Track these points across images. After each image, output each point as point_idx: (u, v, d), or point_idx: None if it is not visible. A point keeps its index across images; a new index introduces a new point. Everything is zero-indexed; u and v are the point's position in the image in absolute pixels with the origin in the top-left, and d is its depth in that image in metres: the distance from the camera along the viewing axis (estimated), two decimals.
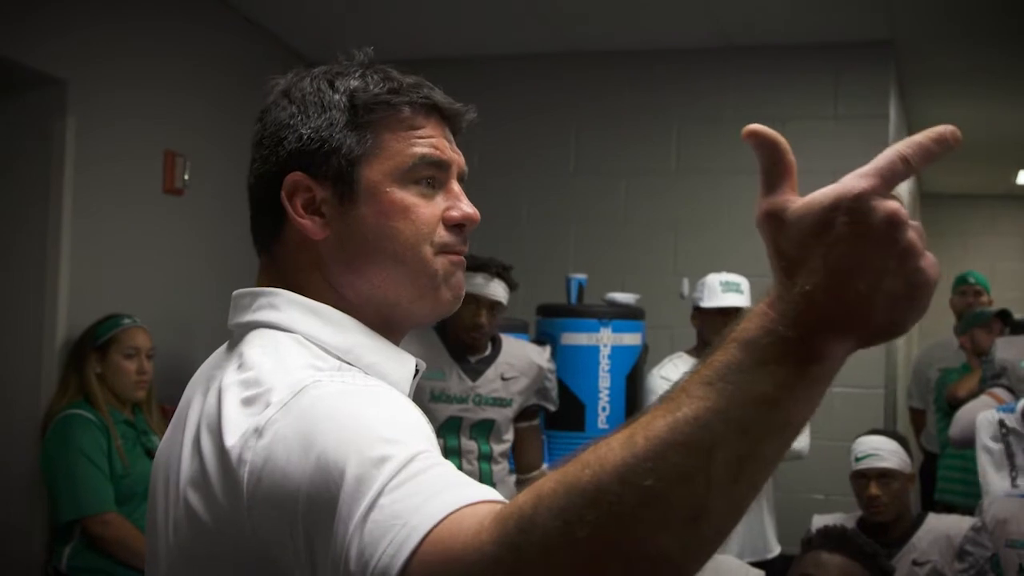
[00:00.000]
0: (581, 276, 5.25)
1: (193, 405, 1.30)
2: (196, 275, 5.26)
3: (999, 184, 10.91)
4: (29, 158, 4.48)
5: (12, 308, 4.44)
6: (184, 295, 5.19)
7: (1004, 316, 6.33)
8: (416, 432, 1.09)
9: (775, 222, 0.89)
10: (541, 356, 4.37)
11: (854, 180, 0.85)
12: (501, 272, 4.12)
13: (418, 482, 1.00)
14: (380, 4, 5.63)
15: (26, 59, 4.29)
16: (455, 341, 4.17)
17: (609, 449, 0.89)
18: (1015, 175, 10.27)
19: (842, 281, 0.85)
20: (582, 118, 6.47)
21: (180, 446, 1.26)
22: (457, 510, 0.95)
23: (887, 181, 0.85)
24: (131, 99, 4.89)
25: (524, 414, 4.33)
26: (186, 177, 5.21)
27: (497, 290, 4.09)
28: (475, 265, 4.04)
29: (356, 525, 0.98)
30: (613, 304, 5.08)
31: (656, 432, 0.87)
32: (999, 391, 4.69)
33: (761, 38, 6.10)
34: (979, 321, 6.10)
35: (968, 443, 4.67)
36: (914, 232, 0.85)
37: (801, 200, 0.88)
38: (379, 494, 0.99)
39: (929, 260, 0.86)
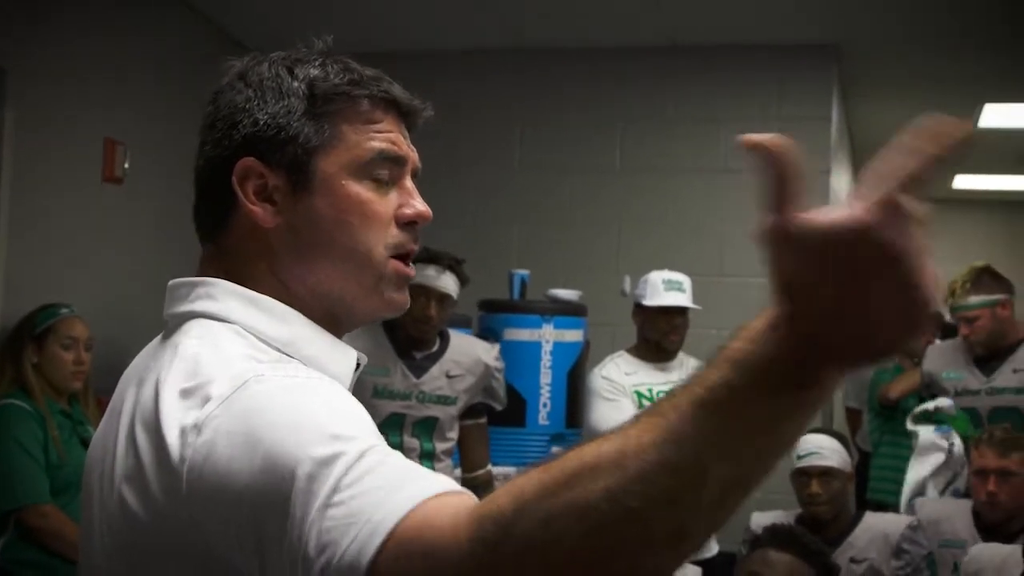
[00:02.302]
0: (524, 272, 5.25)
1: (127, 398, 1.27)
2: (136, 265, 5.21)
3: (937, 188, 11.01)
4: None
5: None
6: (123, 285, 5.14)
7: (936, 320, 6.40)
8: (364, 426, 1.09)
9: (779, 241, 0.84)
10: (489, 354, 4.35)
11: (861, 207, 0.81)
12: (453, 265, 4.09)
13: (374, 477, 0.99)
14: None
15: None
16: (402, 336, 4.14)
17: (597, 461, 0.88)
18: (952, 180, 10.40)
19: (843, 308, 0.82)
20: (527, 115, 6.48)
21: (114, 440, 1.24)
22: (422, 503, 0.95)
23: (894, 205, 0.81)
24: (71, 87, 4.84)
25: (470, 412, 4.31)
26: (126, 166, 5.16)
27: (448, 283, 4.07)
28: (427, 257, 4.02)
29: (312, 523, 0.96)
30: (555, 300, 5.09)
31: (645, 452, 0.86)
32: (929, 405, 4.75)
33: (706, 38, 6.14)
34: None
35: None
36: (921, 259, 0.83)
37: (808, 221, 0.82)
38: (334, 491, 0.97)
39: (932, 287, 0.83)
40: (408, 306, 1.41)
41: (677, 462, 0.85)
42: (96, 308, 4.60)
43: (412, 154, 1.41)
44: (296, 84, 1.34)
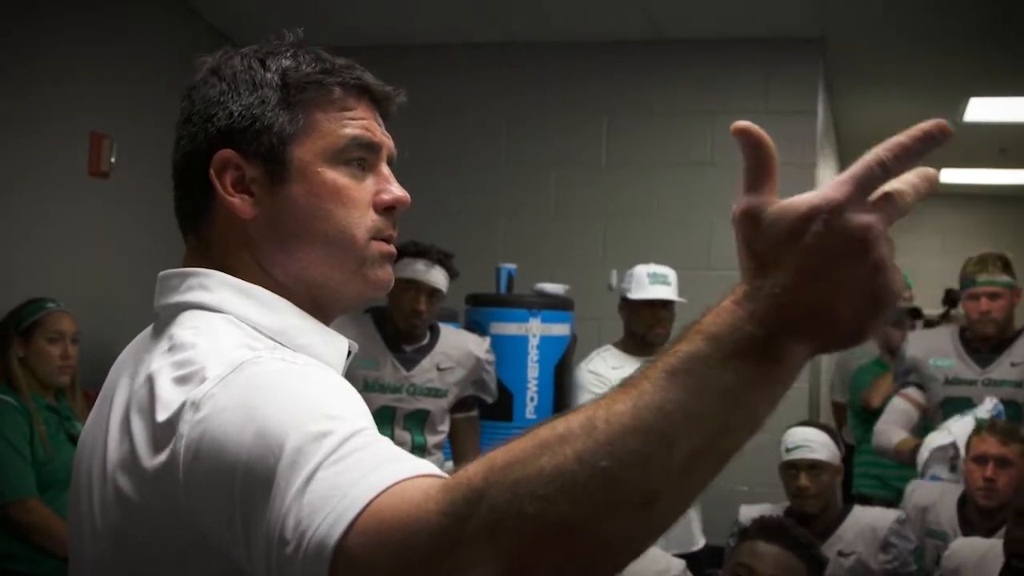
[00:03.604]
0: (511, 266, 5.24)
1: (119, 388, 1.27)
2: (123, 259, 5.20)
3: None
4: None
5: None
6: (110, 279, 5.13)
7: (915, 314, 6.41)
8: (357, 409, 1.10)
9: (751, 222, 0.90)
10: (480, 347, 4.36)
11: (831, 189, 0.87)
12: (442, 259, 4.11)
13: (359, 456, 0.99)
14: None
15: None
16: (392, 329, 4.15)
17: (567, 428, 0.89)
18: (938, 173, 10.43)
19: (810, 288, 0.87)
20: (512, 108, 6.47)
21: (106, 430, 1.24)
22: (398, 482, 0.95)
23: (863, 188, 0.87)
24: (56, 79, 4.82)
25: (461, 405, 4.33)
26: (112, 160, 5.15)
27: (437, 277, 4.08)
28: (417, 251, 4.04)
29: (293, 497, 0.97)
30: (542, 294, 5.09)
31: (616, 416, 0.88)
32: (911, 390, 4.72)
33: (692, 32, 6.15)
34: (890, 318, 6.10)
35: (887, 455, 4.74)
36: (886, 246, 0.87)
37: (779, 204, 0.89)
38: (318, 467, 0.98)
39: (897, 274, 0.88)
40: (392, 282, 1.41)
41: (647, 426, 0.87)
42: (83, 302, 4.59)
43: (387, 140, 1.42)
44: (269, 75, 1.35)
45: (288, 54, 1.38)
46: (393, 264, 1.41)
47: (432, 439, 4.21)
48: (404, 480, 0.96)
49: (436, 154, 6.40)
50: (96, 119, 5.09)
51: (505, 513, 0.87)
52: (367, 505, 0.94)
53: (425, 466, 1.00)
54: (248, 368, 1.13)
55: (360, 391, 3.77)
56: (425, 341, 4.23)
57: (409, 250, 4.08)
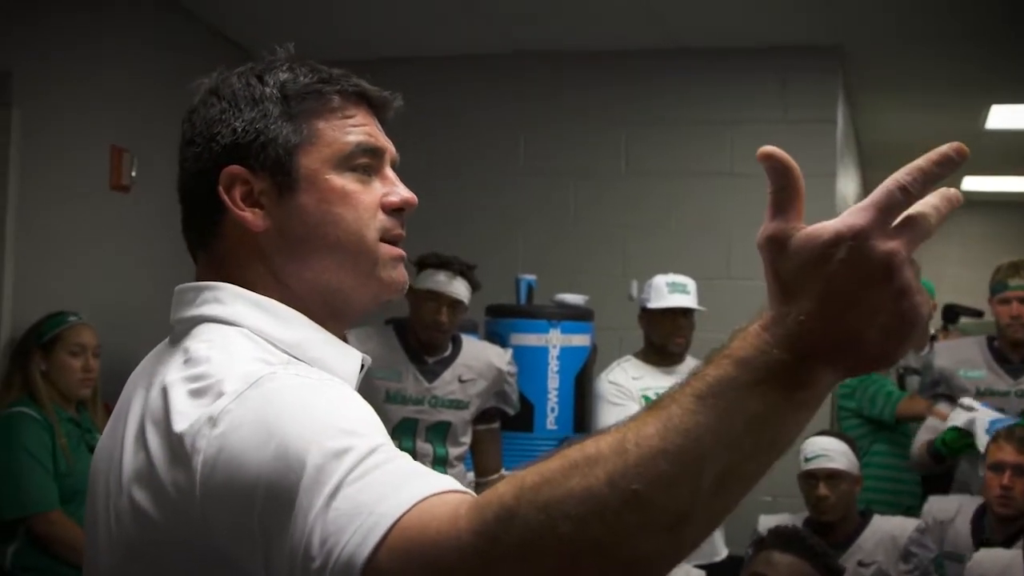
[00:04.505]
0: (531, 277, 5.25)
1: (135, 401, 1.28)
2: (143, 272, 5.21)
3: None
4: None
5: None
6: (131, 292, 5.14)
7: (950, 316, 6.35)
8: (373, 425, 1.10)
9: (777, 247, 0.91)
10: (501, 359, 4.36)
11: (854, 216, 0.88)
12: (464, 271, 4.11)
13: (381, 473, 1.00)
14: (327, 2, 5.62)
15: None
16: (414, 341, 4.16)
17: (597, 450, 0.90)
18: (960, 181, 10.39)
19: (836, 314, 0.88)
20: (531, 119, 6.47)
21: (121, 443, 1.25)
22: (425, 499, 0.96)
23: (886, 214, 0.87)
24: (77, 92, 4.84)
25: (483, 416, 4.33)
26: (133, 173, 5.17)
27: (459, 288, 4.08)
28: (438, 263, 4.05)
29: (317, 514, 0.97)
30: (562, 305, 5.09)
31: (646, 439, 0.89)
32: (942, 406, 4.68)
33: (710, 41, 6.13)
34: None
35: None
36: (911, 271, 0.88)
37: (805, 230, 0.90)
38: (340, 484, 0.99)
39: (924, 297, 0.89)
40: (407, 284, 1.43)
41: (677, 449, 0.88)
42: (104, 316, 4.61)
43: (389, 145, 1.43)
44: (268, 90, 1.37)
45: (284, 68, 1.39)
46: (405, 266, 1.42)
47: (454, 451, 4.21)
48: (431, 496, 0.96)
49: (455, 165, 6.41)
50: (116, 132, 5.12)
51: (538, 533, 0.88)
52: (396, 521, 0.94)
53: (448, 482, 1.00)
54: (265, 384, 1.13)
55: (382, 403, 3.79)
56: (447, 353, 4.23)
57: (431, 261, 4.09)
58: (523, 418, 4.71)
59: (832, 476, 4.02)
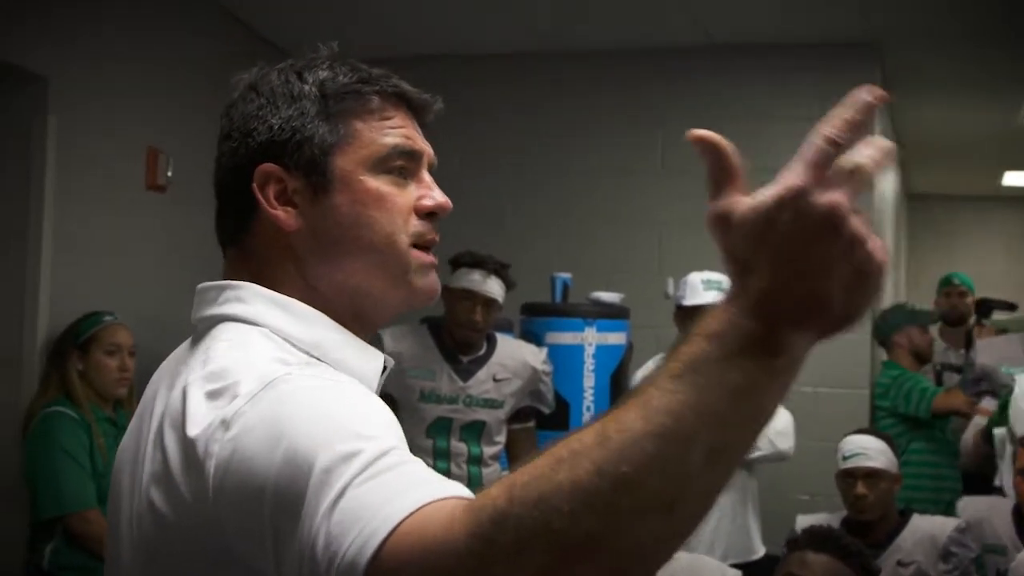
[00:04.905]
0: (566, 275, 5.25)
1: (157, 401, 1.28)
2: (178, 272, 5.21)
3: (985, 185, 10.94)
4: (9, 156, 4.46)
5: None
6: (166, 292, 5.14)
7: (983, 310, 6.29)
8: (388, 429, 1.10)
9: (723, 225, 0.92)
10: (536, 357, 4.36)
11: (789, 177, 0.87)
12: (498, 270, 4.12)
13: (389, 476, 1.00)
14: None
15: (5, 56, 4.28)
16: (449, 340, 4.17)
17: (580, 443, 0.90)
18: (1001, 176, 10.31)
19: (793, 277, 0.87)
20: (567, 116, 6.46)
21: (143, 443, 1.26)
22: (428, 504, 0.96)
23: (819, 169, 0.87)
24: (113, 95, 4.87)
25: (518, 415, 4.33)
26: (169, 174, 5.20)
27: (494, 287, 4.10)
28: (472, 261, 4.07)
29: (323, 516, 0.97)
30: (598, 303, 5.08)
31: (629, 424, 0.88)
32: (987, 402, 4.65)
33: (746, 37, 6.11)
34: (916, 320, 5.95)
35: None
36: (858, 219, 0.87)
37: (746, 202, 0.91)
38: (347, 486, 0.98)
39: (876, 244, 0.88)
40: (438, 291, 1.42)
41: (661, 429, 0.87)
42: (140, 316, 4.64)
43: (427, 148, 1.42)
44: (306, 87, 1.37)
45: (324, 66, 1.39)
46: (436, 272, 1.42)
47: (489, 450, 4.21)
48: (433, 502, 0.96)
49: (489, 163, 6.41)
50: (152, 133, 5.15)
51: (532, 531, 0.88)
52: (396, 526, 0.94)
53: (454, 488, 1.00)
54: (279, 385, 1.13)
55: (416, 402, 3.81)
56: (482, 352, 4.24)
57: (465, 260, 4.10)
58: (558, 417, 4.71)
59: (870, 475, 3.99)
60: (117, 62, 4.90)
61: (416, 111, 1.43)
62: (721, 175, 0.94)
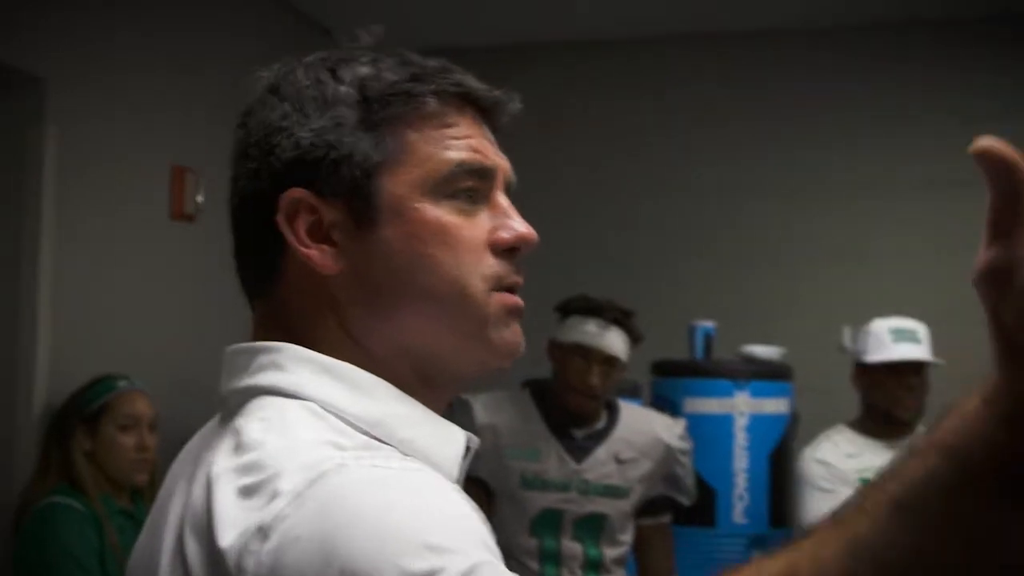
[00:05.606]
0: (708, 324, 5.24)
1: (175, 498, 1.28)
2: (212, 324, 5.23)
3: None
4: None
5: None
6: (196, 350, 5.18)
7: None
8: (471, 534, 1.09)
9: (999, 285, 0.82)
10: (671, 432, 4.31)
11: None
12: (620, 319, 4.08)
13: None
14: None
15: None
16: (559, 409, 4.13)
17: None
18: None
19: None
20: (703, 118, 6.48)
21: (159, 552, 1.24)
22: None
23: None
24: (128, 100, 4.93)
25: (648, 508, 4.27)
26: (199, 199, 5.25)
27: (614, 342, 4.05)
28: (587, 308, 4.05)
29: None
30: (751, 360, 5.09)
31: (823, 566, 0.87)
32: None
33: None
34: None
35: None
36: None
37: None
38: None
39: None
40: (522, 345, 1.39)
41: None
42: (162, 379, 4.67)
43: (502, 162, 1.39)
44: (343, 88, 1.34)
45: (365, 60, 1.36)
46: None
47: (611, 552, 4.17)
48: None
49: (601, 181, 6.42)
50: (177, 149, 5.21)
51: None
52: None
53: None
54: (330, 479, 1.11)
55: (517, 488, 3.78)
56: (600, 425, 4.20)
57: (578, 307, 4.08)
58: (702, 509, 4.71)
59: None
60: (131, 59, 4.96)
61: (486, 114, 1.40)
62: (1007, 210, 0.82)
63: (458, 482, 1.28)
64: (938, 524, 0.83)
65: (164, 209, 5.17)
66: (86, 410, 4.17)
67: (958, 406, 0.85)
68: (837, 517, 0.87)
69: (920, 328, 4.63)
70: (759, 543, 4.90)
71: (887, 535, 0.83)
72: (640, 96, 6.53)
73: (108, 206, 4.84)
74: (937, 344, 4.63)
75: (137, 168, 5.02)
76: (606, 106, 6.52)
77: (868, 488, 0.86)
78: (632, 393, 4.89)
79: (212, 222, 5.26)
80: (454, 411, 3.73)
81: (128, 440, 4.16)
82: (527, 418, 4.12)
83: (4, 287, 4.48)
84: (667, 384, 5.06)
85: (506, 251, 1.35)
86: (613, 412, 4.25)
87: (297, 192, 1.30)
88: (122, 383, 4.25)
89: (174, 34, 5.22)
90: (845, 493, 4.37)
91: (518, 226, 1.36)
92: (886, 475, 0.86)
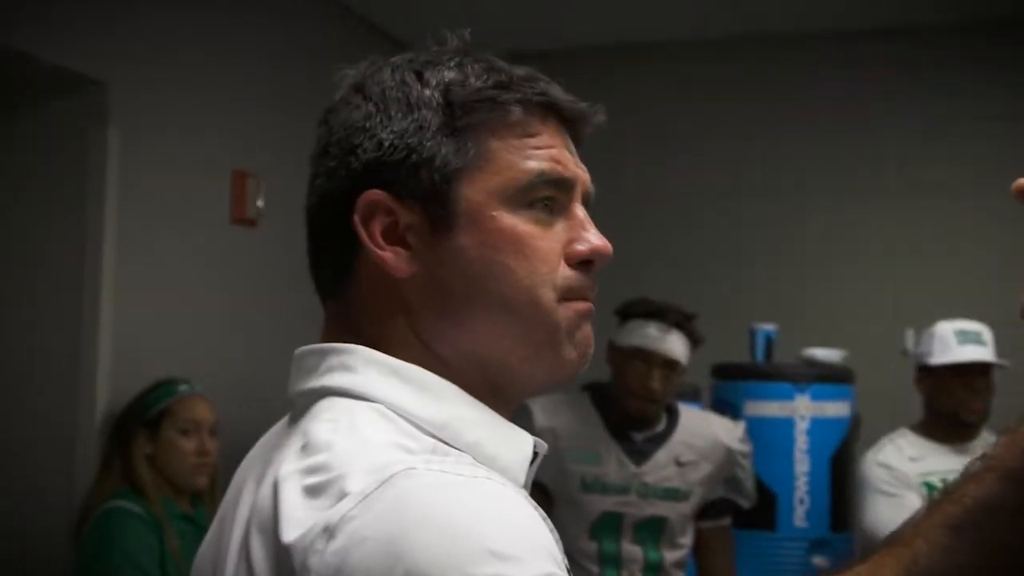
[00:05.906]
0: (769, 327, 5.23)
1: (243, 498, 1.29)
2: (274, 328, 5.26)
3: None
4: (61, 179, 4.54)
5: (40, 373, 4.49)
6: (258, 355, 5.20)
7: None
8: (537, 544, 1.09)
9: None
10: (731, 435, 4.30)
11: None
12: (681, 322, 4.07)
13: None
14: None
15: (56, 57, 4.35)
16: (618, 413, 4.13)
17: None
18: None
19: None
20: (766, 120, 6.44)
21: (226, 550, 1.26)
22: None
23: None
24: (189, 105, 4.95)
25: (708, 511, 4.27)
26: (260, 204, 5.26)
27: (675, 345, 4.04)
28: (647, 311, 4.04)
29: None
30: (812, 363, 5.07)
31: None
32: None
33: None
34: None
35: None
36: None
37: None
38: None
39: None
40: (591, 351, 1.39)
41: None
42: (223, 383, 4.69)
43: (582, 174, 1.39)
44: (428, 92, 1.34)
45: (452, 64, 1.36)
46: (592, 322, 1.37)
47: (670, 555, 4.16)
48: None
49: (664, 185, 6.41)
50: (240, 154, 5.23)
51: None
52: None
53: None
54: (399, 483, 1.11)
55: (576, 492, 3.78)
56: (660, 428, 4.19)
57: (638, 310, 4.07)
58: (762, 513, 4.70)
59: None
60: (195, 62, 4.97)
61: (569, 125, 1.40)
62: None
63: (525, 487, 1.29)
64: (995, 546, 0.82)
65: (225, 213, 5.18)
66: (147, 414, 4.19)
67: (1014, 431, 0.85)
68: (895, 539, 0.87)
69: (984, 330, 4.58)
70: (820, 547, 4.88)
71: (945, 557, 0.83)
72: (706, 100, 6.51)
73: (169, 210, 4.85)
74: (1000, 347, 4.59)
75: (198, 172, 5.03)
76: (671, 110, 6.50)
77: (926, 509, 0.86)
78: (692, 396, 4.89)
79: (273, 227, 5.28)
80: (513, 415, 3.74)
81: (189, 444, 4.17)
82: (586, 421, 4.11)
83: (67, 291, 4.49)
84: (727, 387, 5.05)
85: (581, 263, 1.35)
86: (673, 415, 4.25)
87: (375, 194, 1.31)
88: (183, 387, 4.27)
89: (237, 38, 5.24)
90: (908, 497, 4.35)
91: (594, 239, 1.36)
92: (943, 497, 0.86)
